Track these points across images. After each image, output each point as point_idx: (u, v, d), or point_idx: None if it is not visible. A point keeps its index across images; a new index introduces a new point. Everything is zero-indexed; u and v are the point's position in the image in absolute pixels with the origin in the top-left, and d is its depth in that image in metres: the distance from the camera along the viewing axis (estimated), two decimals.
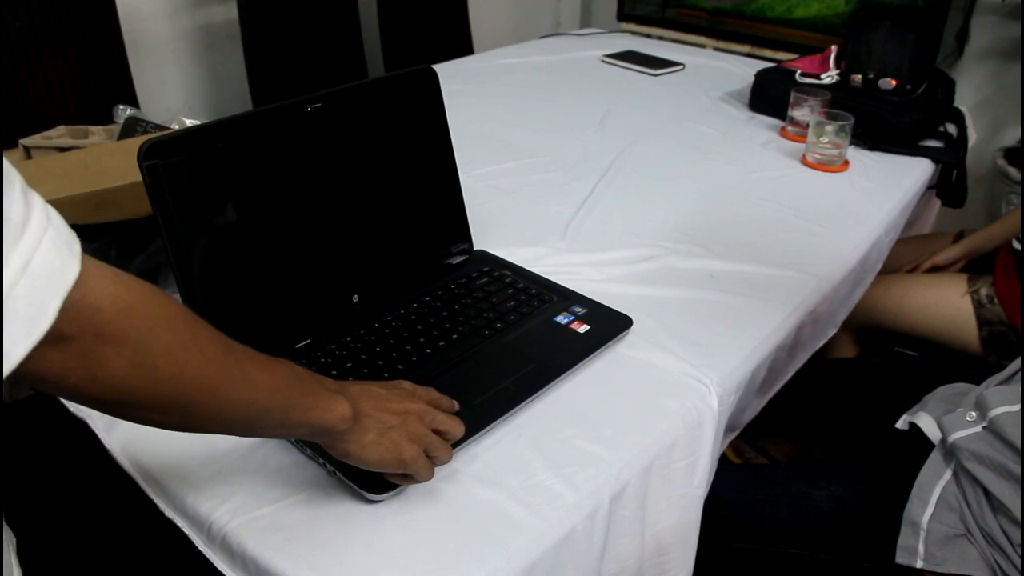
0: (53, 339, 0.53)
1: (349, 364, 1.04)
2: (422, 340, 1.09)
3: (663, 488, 1.00)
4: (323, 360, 1.04)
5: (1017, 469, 1.06)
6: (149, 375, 0.61)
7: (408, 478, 0.85)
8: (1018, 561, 1.07)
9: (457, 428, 0.88)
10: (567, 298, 1.20)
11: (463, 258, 1.29)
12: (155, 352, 0.61)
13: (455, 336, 1.10)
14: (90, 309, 0.56)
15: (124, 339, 0.59)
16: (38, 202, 0.54)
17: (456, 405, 0.92)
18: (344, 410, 0.78)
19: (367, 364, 1.04)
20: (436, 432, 0.86)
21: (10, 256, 0.50)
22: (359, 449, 0.80)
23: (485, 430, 0.96)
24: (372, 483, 0.87)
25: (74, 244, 0.56)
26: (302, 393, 0.76)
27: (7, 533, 0.72)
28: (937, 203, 2.10)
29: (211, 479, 0.90)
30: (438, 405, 0.89)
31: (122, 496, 0.91)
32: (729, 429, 1.28)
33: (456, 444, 0.91)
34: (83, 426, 0.97)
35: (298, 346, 1.07)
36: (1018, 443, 1.07)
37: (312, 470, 0.91)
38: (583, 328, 1.14)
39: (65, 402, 0.93)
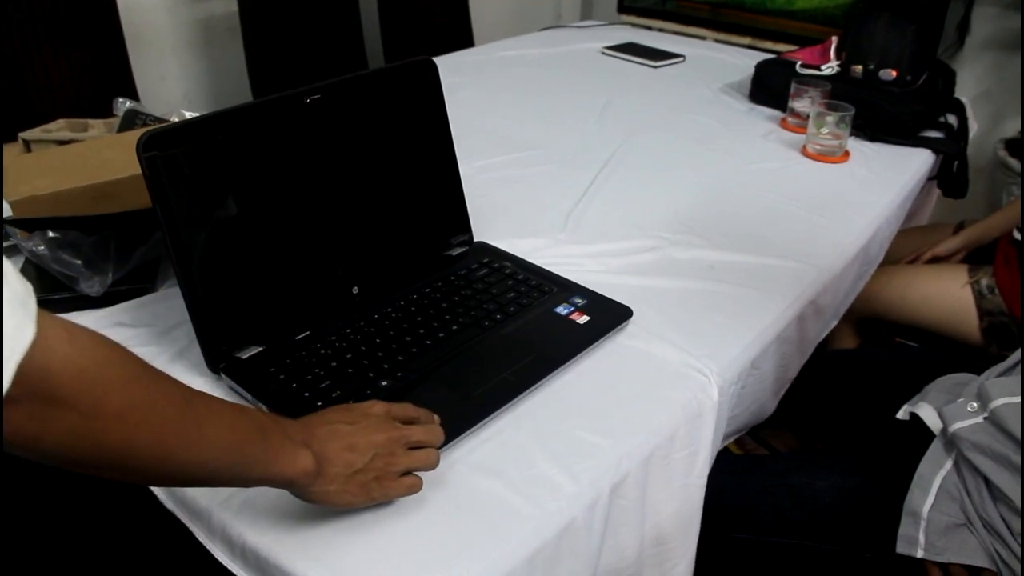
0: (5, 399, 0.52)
1: (349, 355, 1.04)
2: (422, 331, 1.09)
3: (663, 478, 1.01)
4: (323, 351, 1.04)
5: (1017, 459, 1.06)
6: (97, 441, 0.60)
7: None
8: (1018, 550, 1.07)
9: (435, 438, 0.87)
10: (567, 289, 1.20)
11: (463, 250, 1.29)
12: (104, 417, 0.59)
13: (455, 327, 1.10)
14: (40, 372, 0.54)
15: (73, 404, 0.57)
16: None
17: (435, 418, 0.90)
18: (306, 464, 0.76)
19: (367, 356, 1.04)
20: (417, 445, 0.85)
21: None
22: (324, 497, 0.80)
23: (485, 421, 0.97)
24: None
25: (29, 303, 0.54)
26: (263, 450, 0.74)
27: None
28: (935, 194, 2.10)
29: None
30: (413, 422, 0.88)
31: (122, 489, 0.91)
32: (743, 428, 1.29)
33: (456, 436, 0.92)
34: None
35: (298, 338, 1.07)
36: (1018, 434, 1.07)
37: None
38: (583, 319, 1.14)
39: None
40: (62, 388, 0.56)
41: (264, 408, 0.96)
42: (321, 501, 0.80)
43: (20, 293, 0.53)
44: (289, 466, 0.75)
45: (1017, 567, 1.07)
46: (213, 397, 0.71)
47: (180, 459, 0.66)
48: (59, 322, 0.57)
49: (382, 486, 0.82)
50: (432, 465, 0.86)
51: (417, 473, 0.85)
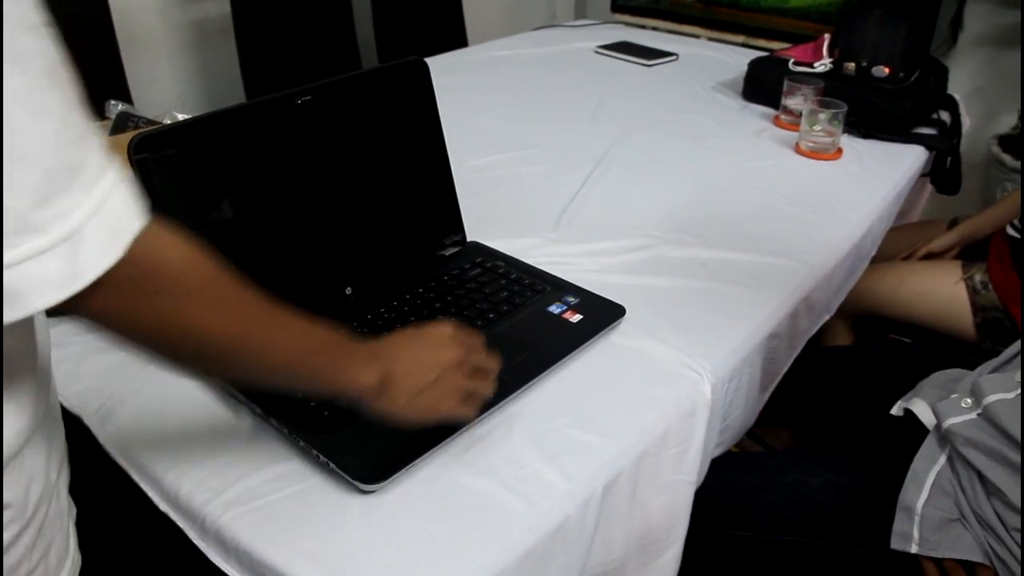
0: (107, 283, 0.57)
1: None
2: None
3: (653, 475, 1.01)
4: None
5: (1012, 455, 1.07)
6: (180, 326, 0.65)
7: None
8: (1012, 545, 1.07)
9: (495, 366, 0.92)
10: (560, 288, 1.20)
11: (456, 249, 1.29)
12: (188, 307, 0.65)
13: None
14: (140, 259, 0.59)
15: (161, 291, 0.63)
16: (116, 163, 0.58)
17: (496, 361, 0.93)
18: (369, 381, 0.80)
19: None
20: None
21: (87, 196, 0.55)
22: (391, 413, 0.83)
23: (478, 420, 0.97)
24: (365, 474, 0.87)
25: (140, 201, 0.60)
26: (329, 363, 0.79)
27: (69, 503, 0.77)
28: (927, 191, 2.10)
29: (205, 473, 0.90)
30: (477, 347, 0.91)
31: (116, 490, 0.91)
32: (740, 431, 1.29)
33: (449, 435, 0.93)
34: (76, 420, 0.97)
35: None
36: (1012, 430, 1.07)
37: (306, 462, 0.91)
38: (576, 318, 1.14)
39: (59, 396, 0.93)
40: (159, 275, 0.62)
41: (258, 410, 0.96)
42: (389, 417, 0.83)
43: (134, 193, 0.60)
44: (352, 381, 0.79)
45: (1011, 561, 1.07)
46: (289, 309, 0.75)
47: (250, 355, 0.72)
48: (156, 217, 0.62)
49: (441, 407, 0.85)
50: (489, 393, 0.90)
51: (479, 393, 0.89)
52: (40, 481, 0.70)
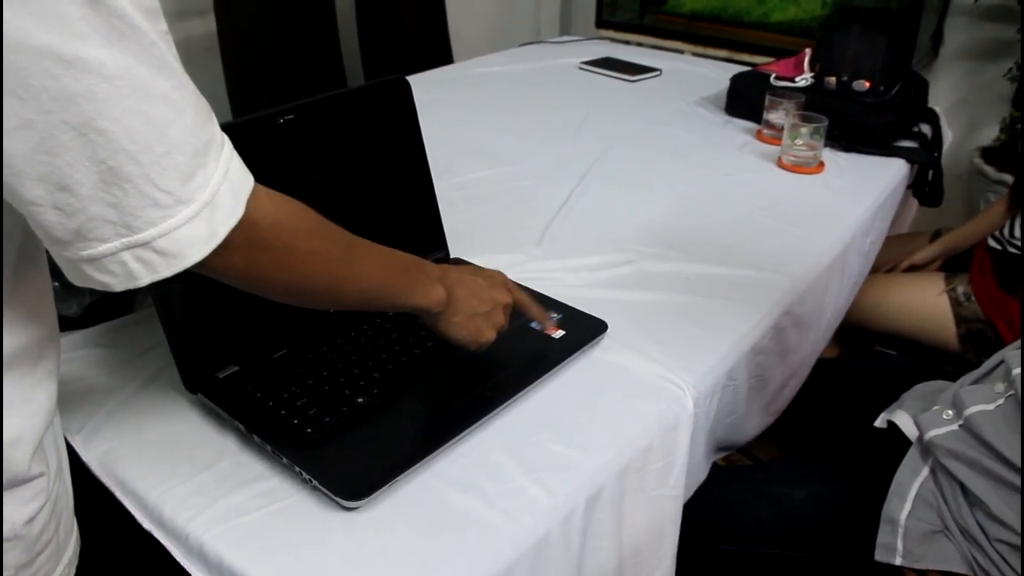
0: (232, 241, 0.68)
1: (325, 373, 1.04)
2: (397, 348, 1.09)
3: (638, 490, 1.01)
4: (300, 370, 1.04)
5: (993, 466, 1.07)
6: (292, 273, 0.77)
7: None
8: (995, 556, 1.08)
9: (540, 313, 1.10)
10: (542, 304, 1.20)
11: None
12: (299, 256, 0.77)
13: (430, 344, 1.10)
14: (250, 223, 0.69)
15: (279, 245, 0.75)
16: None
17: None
18: (439, 296, 0.94)
19: (343, 373, 1.04)
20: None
21: (219, 162, 0.67)
22: (447, 327, 0.97)
23: (461, 436, 0.97)
24: (348, 490, 0.87)
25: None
26: (406, 281, 0.92)
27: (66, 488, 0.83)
28: (914, 203, 2.11)
29: (188, 490, 0.90)
30: (524, 300, 1.07)
31: (100, 508, 0.91)
32: (728, 445, 1.29)
33: (431, 451, 0.94)
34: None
35: (275, 356, 1.07)
36: (993, 441, 1.08)
37: (289, 478, 0.91)
38: (558, 333, 1.15)
39: None
40: (265, 234, 0.73)
41: (242, 427, 0.96)
42: (444, 330, 0.97)
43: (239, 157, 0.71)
44: (426, 297, 0.93)
45: (994, 572, 1.08)
46: (369, 242, 0.87)
47: (344, 289, 0.85)
48: (259, 185, 0.72)
49: (484, 335, 0.99)
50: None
51: None
52: (55, 455, 0.78)
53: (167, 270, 0.65)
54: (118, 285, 0.66)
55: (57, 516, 0.78)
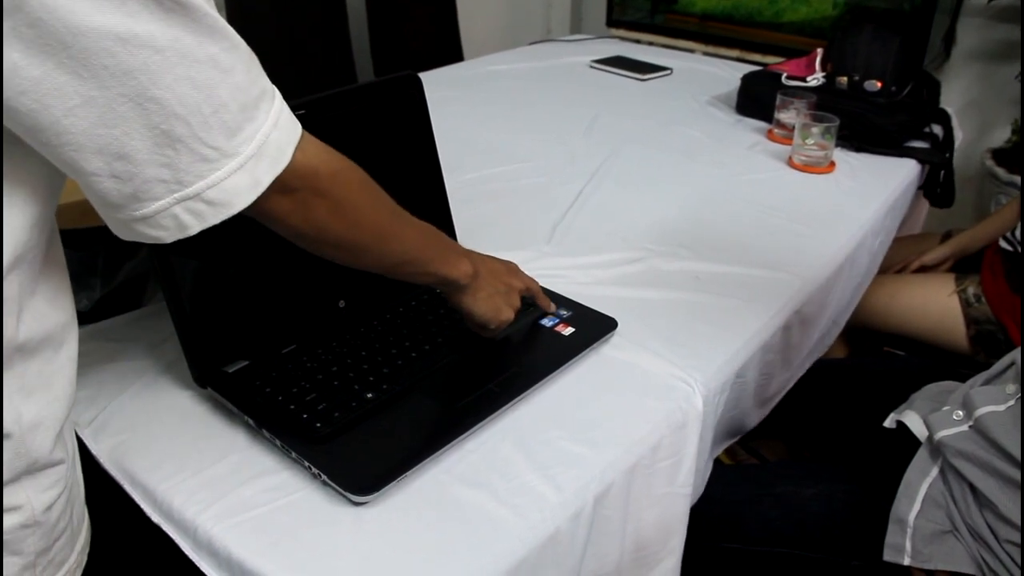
0: (283, 189, 0.73)
1: (335, 368, 1.04)
2: (407, 344, 1.09)
3: (646, 488, 1.01)
4: (309, 365, 1.05)
5: (1003, 467, 1.07)
6: (343, 223, 0.82)
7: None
8: (1004, 557, 1.07)
9: (547, 305, 1.16)
10: (552, 301, 1.20)
11: None
12: (350, 207, 0.82)
13: (440, 340, 1.10)
14: (309, 170, 0.76)
15: (330, 195, 0.79)
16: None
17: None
18: (468, 268, 0.99)
19: (352, 368, 1.04)
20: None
21: (268, 114, 0.71)
22: (472, 301, 1.02)
23: (470, 432, 0.97)
24: (357, 485, 0.87)
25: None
26: (440, 251, 0.97)
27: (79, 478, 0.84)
28: (925, 204, 2.11)
29: (197, 484, 0.90)
30: (535, 289, 1.13)
31: (109, 501, 0.91)
32: (728, 436, 1.29)
33: (441, 447, 0.94)
34: None
35: (284, 351, 1.07)
36: (1003, 442, 1.07)
37: (297, 473, 0.91)
38: (568, 331, 1.15)
39: None
40: (324, 182, 0.78)
41: (251, 422, 0.96)
42: (469, 305, 1.02)
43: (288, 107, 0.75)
44: (456, 268, 0.98)
45: (1003, 573, 1.08)
46: (408, 213, 0.92)
47: (388, 247, 0.90)
48: (314, 137, 0.78)
49: (502, 314, 1.05)
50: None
51: None
52: (71, 442, 0.80)
53: (215, 218, 0.70)
54: (169, 237, 0.70)
55: (72, 504, 0.78)
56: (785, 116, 1.92)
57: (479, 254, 1.06)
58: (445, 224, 1.30)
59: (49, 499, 0.74)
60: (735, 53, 3.10)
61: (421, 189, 1.26)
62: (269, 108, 0.71)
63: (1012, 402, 1.10)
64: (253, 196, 0.71)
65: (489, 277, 1.04)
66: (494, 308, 1.04)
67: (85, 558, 0.83)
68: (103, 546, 0.87)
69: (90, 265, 1.18)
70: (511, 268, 1.10)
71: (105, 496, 0.91)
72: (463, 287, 1.00)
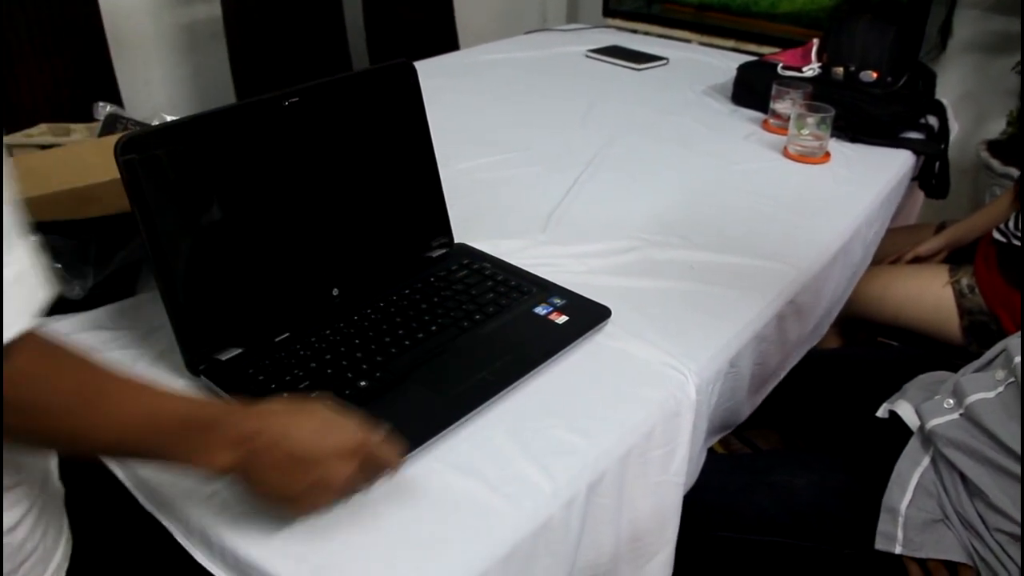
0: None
1: (328, 356, 1.04)
2: (401, 332, 1.09)
3: (640, 476, 1.01)
4: (302, 353, 1.05)
5: (993, 455, 1.07)
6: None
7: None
8: (994, 545, 1.08)
9: (393, 460, 0.85)
10: (546, 290, 1.20)
11: (443, 251, 1.29)
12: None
13: (434, 328, 1.10)
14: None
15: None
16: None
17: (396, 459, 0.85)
18: (222, 466, 0.76)
19: (346, 356, 1.04)
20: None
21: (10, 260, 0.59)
22: (251, 497, 0.83)
23: (463, 420, 0.97)
24: None
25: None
26: (179, 441, 0.75)
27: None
28: (920, 195, 2.11)
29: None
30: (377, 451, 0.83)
31: (101, 490, 0.91)
32: (722, 427, 1.29)
33: (433, 435, 0.94)
34: None
35: (278, 339, 1.07)
36: (993, 429, 1.07)
37: None
38: (562, 319, 1.15)
39: None
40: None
41: None
42: (259, 502, 0.83)
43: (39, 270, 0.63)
44: (207, 465, 0.76)
45: (993, 562, 1.08)
46: (143, 386, 0.73)
47: (91, 437, 0.70)
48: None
49: (304, 506, 0.83)
50: (393, 470, 0.85)
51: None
52: (41, 459, 0.76)
53: None
54: None
55: (43, 522, 0.76)
56: (781, 106, 1.92)
57: (283, 433, 0.79)
58: (439, 214, 1.30)
59: (10, 520, 0.71)
60: (731, 43, 3.10)
61: (415, 178, 1.25)
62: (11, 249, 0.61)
63: (1002, 388, 1.11)
64: None
65: (269, 474, 0.78)
66: (283, 508, 0.83)
67: (63, 575, 0.81)
68: (94, 538, 0.87)
69: (83, 253, 1.17)
70: (338, 448, 0.80)
71: (96, 484, 0.91)
72: (231, 479, 0.80)
